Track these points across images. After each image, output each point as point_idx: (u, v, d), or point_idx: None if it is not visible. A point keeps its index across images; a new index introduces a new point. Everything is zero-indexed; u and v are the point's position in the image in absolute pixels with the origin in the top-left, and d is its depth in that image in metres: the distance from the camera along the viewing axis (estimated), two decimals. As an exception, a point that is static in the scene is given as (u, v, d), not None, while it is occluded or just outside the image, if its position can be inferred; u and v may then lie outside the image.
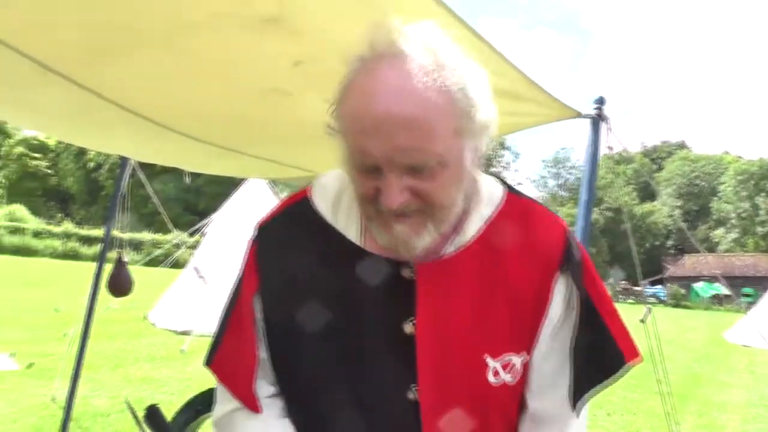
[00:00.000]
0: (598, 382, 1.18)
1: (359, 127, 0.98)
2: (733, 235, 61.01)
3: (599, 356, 1.17)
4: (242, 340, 1.20)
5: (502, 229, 1.16)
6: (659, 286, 47.76)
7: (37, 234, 40.29)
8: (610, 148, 2.62)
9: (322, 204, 1.20)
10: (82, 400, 5.62)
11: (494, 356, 1.14)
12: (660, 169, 72.09)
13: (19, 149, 58.57)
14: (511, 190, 1.22)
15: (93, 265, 4.63)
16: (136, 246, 32.61)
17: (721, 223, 62.99)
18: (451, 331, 1.13)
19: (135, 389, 6.88)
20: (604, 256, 54.91)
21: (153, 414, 2.74)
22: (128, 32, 1.77)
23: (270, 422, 1.20)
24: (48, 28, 1.76)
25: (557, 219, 1.22)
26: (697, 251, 52.76)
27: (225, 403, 1.24)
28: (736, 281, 43.15)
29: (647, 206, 63.32)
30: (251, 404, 1.19)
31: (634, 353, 1.19)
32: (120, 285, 5.46)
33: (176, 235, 12.99)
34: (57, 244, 39.30)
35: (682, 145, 79.26)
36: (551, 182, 74.40)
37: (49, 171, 60.48)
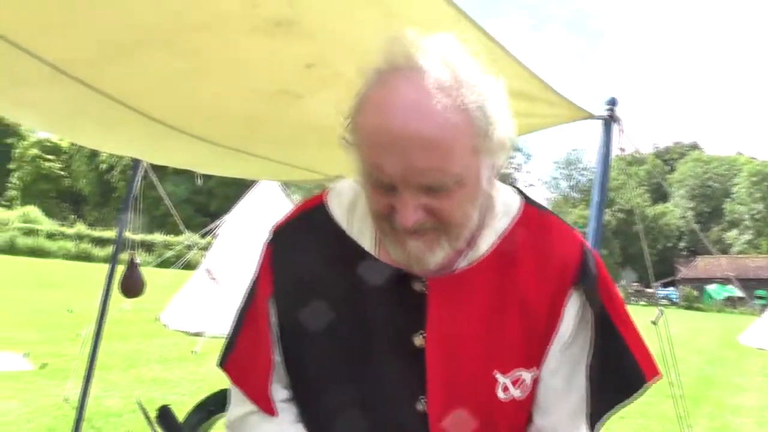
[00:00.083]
0: (618, 402, 1.16)
1: (375, 144, 0.96)
2: (747, 236, 60.58)
3: (618, 375, 1.16)
4: (257, 342, 1.20)
5: (516, 242, 1.14)
6: (671, 288, 47.54)
7: (50, 235, 40.63)
8: (622, 149, 2.60)
9: (338, 211, 1.20)
10: (95, 400, 5.64)
11: (504, 372, 1.13)
12: (672, 170, 71.68)
13: (34, 151, 59.14)
14: (527, 202, 1.20)
15: (105, 267, 4.66)
16: (148, 247, 32.78)
17: (734, 224, 62.57)
18: (462, 345, 1.13)
19: (147, 390, 6.91)
20: (616, 258, 54.67)
21: (165, 414, 2.75)
22: (138, 33, 1.78)
23: (285, 427, 1.20)
24: (60, 31, 1.78)
25: (574, 233, 1.20)
26: (710, 253, 52.40)
27: (240, 405, 1.24)
28: (749, 283, 42.80)
29: (659, 208, 63.02)
30: (267, 407, 1.19)
31: (654, 371, 1.17)
32: (132, 286, 5.48)
33: (188, 237, 13.07)
34: (70, 245, 39.64)
35: (694, 146, 78.83)
36: (563, 184, 74.32)
37: (62, 173, 61.02)
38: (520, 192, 1.22)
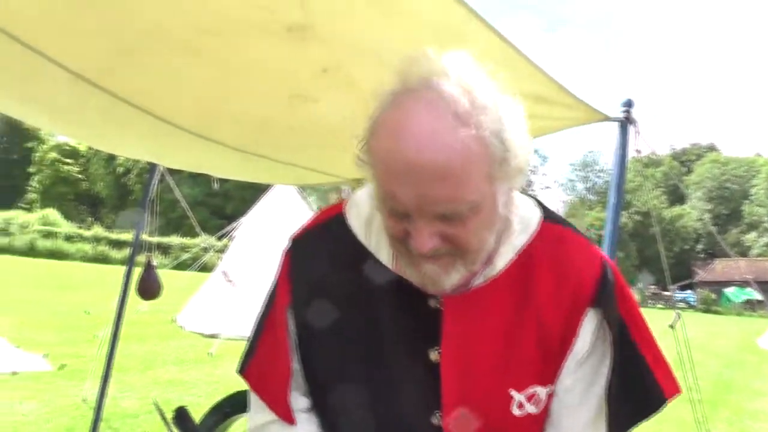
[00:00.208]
0: (637, 421, 1.16)
1: (388, 171, 0.94)
2: (766, 239, 59.80)
3: (638, 394, 1.15)
4: (276, 350, 1.21)
5: (534, 259, 1.13)
6: (689, 291, 47.06)
7: (68, 238, 41.07)
8: (639, 151, 2.59)
9: (356, 222, 1.20)
10: (112, 401, 5.70)
11: (519, 389, 1.13)
12: (689, 172, 71.01)
13: (53, 155, 59.88)
14: (547, 216, 1.18)
15: (122, 269, 4.69)
16: (165, 250, 32.96)
17: (753, 227, 61.83)
18: (477, 362, 1.12)
19: (163, 391, 6.95)
20: (633, 260, 54.22)
21: (181, 416, 2.77)
22: (153, 38, 1.81)
23: None
24: (77, 36, 1.80)
25: (593, 249, 1.18)
26: (728, 255, 51.85)
27: (260, 413, 1.24)
28: (769, 286, 42.22)
29: (676, 210, 62.44)
30: (285, 415, 1.20)
31: (674, 388, 1.16)
32: (149, 288, 5.52)
33: (204, 239, 13.14)
34: (87, 247, 40.02)
35: (711, 148, 77.91)
36: (579, 186, 74.00)
37: (81, 176, 61.68)
38: (540, 204, 1.20)
